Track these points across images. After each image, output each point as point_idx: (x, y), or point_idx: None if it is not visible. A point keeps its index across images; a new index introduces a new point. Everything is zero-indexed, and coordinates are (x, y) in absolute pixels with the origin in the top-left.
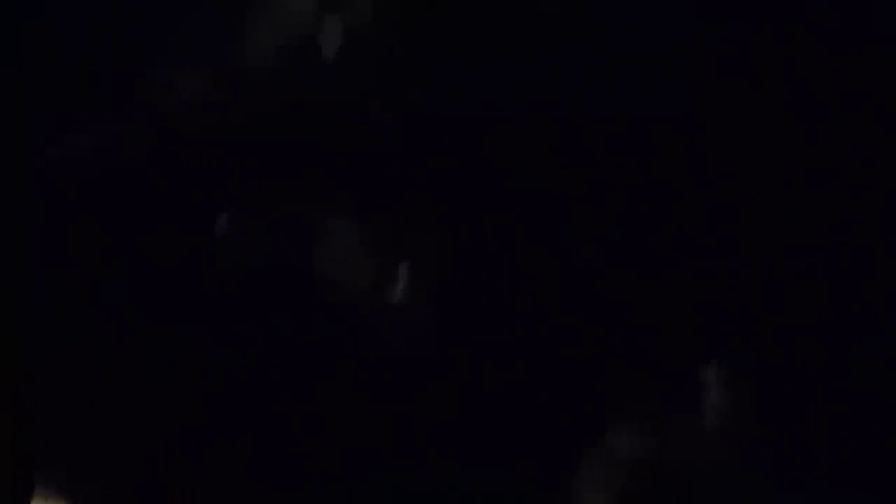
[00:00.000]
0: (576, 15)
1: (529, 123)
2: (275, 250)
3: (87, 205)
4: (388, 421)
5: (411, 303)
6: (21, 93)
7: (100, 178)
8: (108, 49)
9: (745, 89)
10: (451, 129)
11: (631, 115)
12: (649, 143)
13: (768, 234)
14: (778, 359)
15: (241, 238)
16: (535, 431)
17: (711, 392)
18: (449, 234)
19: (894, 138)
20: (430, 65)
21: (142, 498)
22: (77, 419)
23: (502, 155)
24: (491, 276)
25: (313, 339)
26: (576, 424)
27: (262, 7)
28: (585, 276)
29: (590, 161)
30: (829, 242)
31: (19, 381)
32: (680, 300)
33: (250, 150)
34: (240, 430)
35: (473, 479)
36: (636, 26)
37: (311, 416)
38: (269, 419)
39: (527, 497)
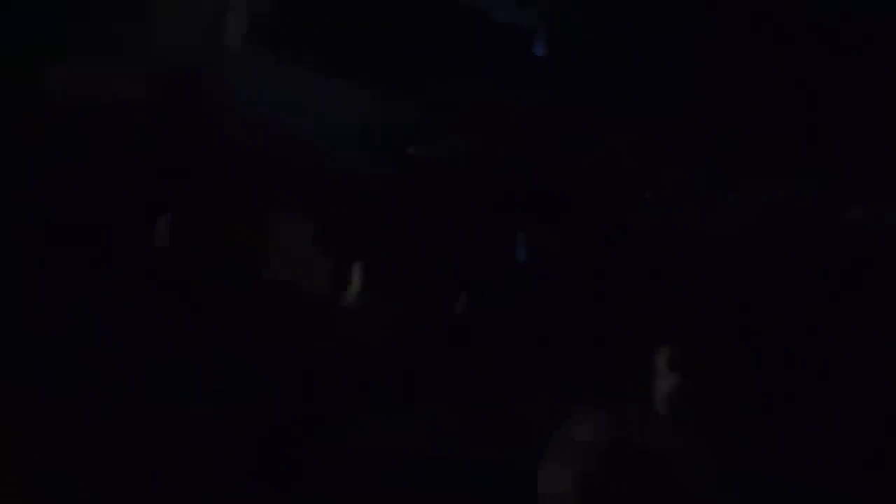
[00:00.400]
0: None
1: (470, 123)
2: (221, 252)
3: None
4: (344, 421)
5: (365, 304)
6: None
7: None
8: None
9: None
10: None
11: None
12: (586, 136)
13: (716, 227)
14: (726, 344)
15: (183, 243)
16: (496, 421)
17: (663, 377)
18: (402, 233)
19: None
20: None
21: None
22: None
23: (453, 150)
24: (444, 274)
25: (264, 341)
26: (535, 413)
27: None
28: (539, 270)
29: (539, 154)
30: (770, 238)
31: None
32: (630, 290)
33: (180, 150)
34: (187, 435)
35: (436, 472)
36: None
37: (261, 419)
38: (219, 425)
39: (491, 485)
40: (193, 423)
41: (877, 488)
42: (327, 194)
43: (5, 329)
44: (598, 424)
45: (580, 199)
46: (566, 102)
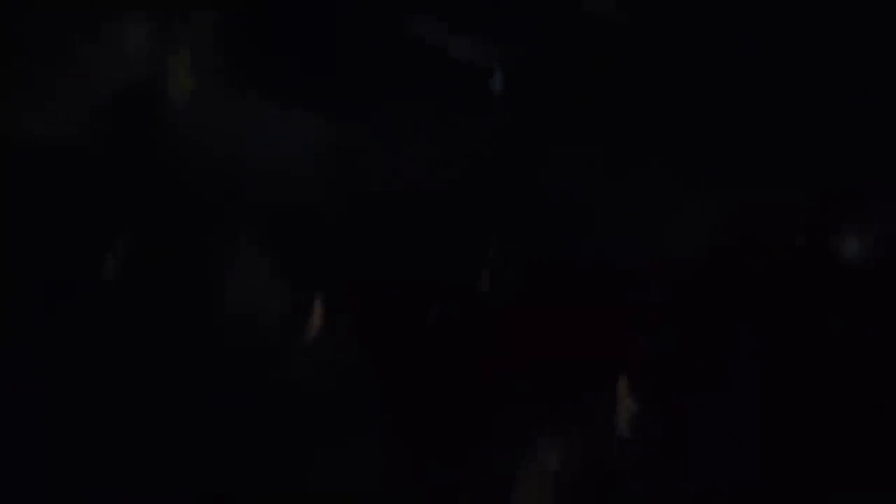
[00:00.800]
0: None
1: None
2: (175, 286)
3: None
4: (304, 453)
5: (326, 337)
6: None
7: None
8: None
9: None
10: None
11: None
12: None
13: (672, 247)
14: (682, 372)
15: (135, 276)
16: (460, 451)
17: (624, 404)
18: (365, 265)
19: None
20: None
21: None
22: None
23: (415, 184)
24: (406, 303)
25: (222, 375)
26: (503, 444)
27: (104, 48)
28: (501, 299)
29: (495, 183)
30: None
31: None
32: (589, 316)
33: (131, 183)
34: (135, 471)
35: None
36: None
37: (217, 455)
38: (171, 459)
39: None
40: (142, 459)
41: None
42: (284, 226)
43: None
44: (565, 452)
45: (538, 227)
46: (522, 135)
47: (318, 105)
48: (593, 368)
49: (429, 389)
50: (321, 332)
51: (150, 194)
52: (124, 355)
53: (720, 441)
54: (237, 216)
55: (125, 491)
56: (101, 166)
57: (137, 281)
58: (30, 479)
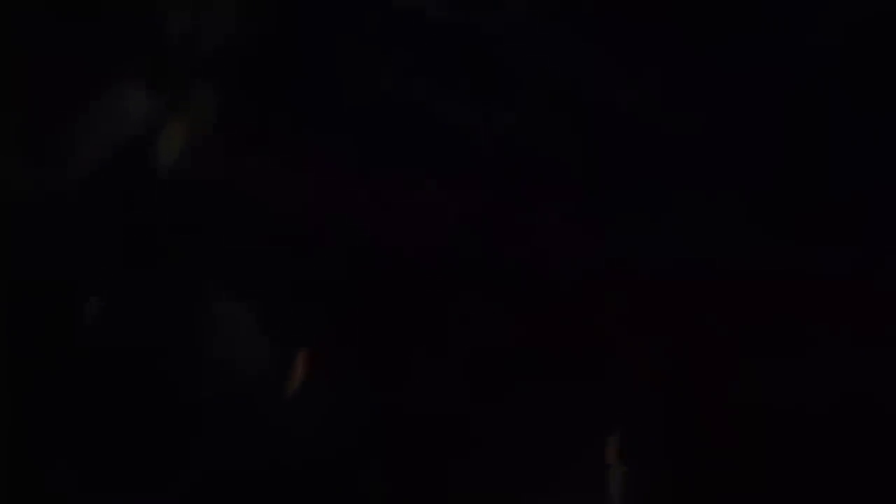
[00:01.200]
0: None
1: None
2: (154, 336)
3: None
4: None
5: (308, 393)
6: None
7: None
8: None
9: None
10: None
11: None
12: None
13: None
14: (673, 433)
15: (113, 325)
16: None
17: (614, 467)
18: (348, 319)
19: None
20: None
21: None
22: None
23: (399, 239)
24: (388, 362)
25: (199, 432)
26: None
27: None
28: (486, 358)
29: (484, 245)
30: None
31: None
32: (582, 379)
33: (116, 234)
34: None
35: None
36: None
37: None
38: None
39: None
40: None
41: None
42: (271, 280)
43: None
44: None
45: (526, 287)
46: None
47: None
48: (581, 432)
49: (412, 449)
50: (302, 387)
51: (133, 248)
52: (105, 406)
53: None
54: (224, 268)
55: None
56: (90, 219)
57: (119, 333)
58: None
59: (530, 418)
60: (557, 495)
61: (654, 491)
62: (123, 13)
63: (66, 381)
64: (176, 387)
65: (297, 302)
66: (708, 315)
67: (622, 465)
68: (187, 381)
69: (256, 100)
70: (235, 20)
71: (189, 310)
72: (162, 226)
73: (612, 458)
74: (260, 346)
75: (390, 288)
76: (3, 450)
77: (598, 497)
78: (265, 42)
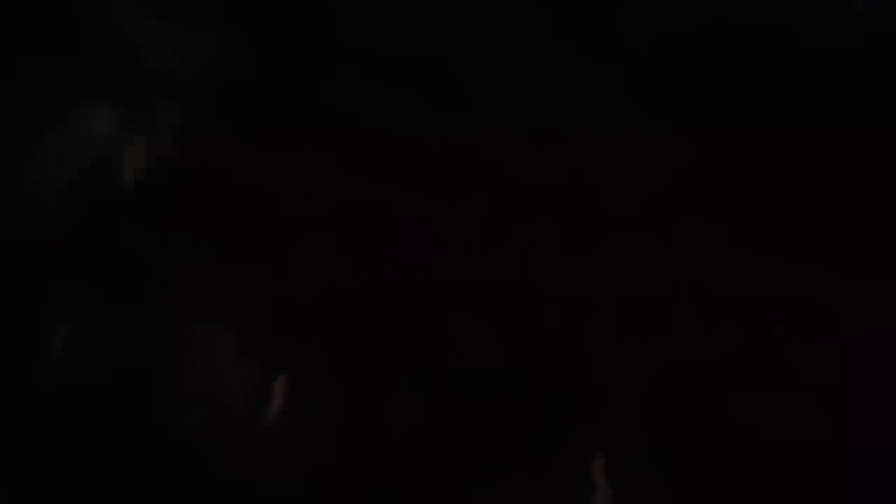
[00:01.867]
0: None
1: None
2: (126, 365)
3: None
4: None
5: (287, 423)
6: None
7: None
8: None
9: None
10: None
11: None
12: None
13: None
14: (661, 454)
15: (81, 355)
16: None
17: (601, 488)
18: (328, 346)
19: None
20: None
21: None
22: None
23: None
24: (371, 391)
25: (182, 459)
26: None
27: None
28: (469, 382)
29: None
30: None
31: None
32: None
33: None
34: None
35: None
36: None
37: None
38: None
39: None
40: None
41: None
42: (251, 306)
43: None
44: None
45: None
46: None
47: None
48: (567, 455)
49: (394, 476)
50: (284, 413)
51: (109, 273)
52: (83, 433)
53: None
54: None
55: None
56: (62, 247)
57: (95, 357)
58: None
59: (515, 439)
60: None
61: None
62: (95, 41)
63: (41, 408)
64: (151, 414)
65: (276, 325)
66: (694, 334)
67: (608, 486)
68: (163, 408)
69: (223, 119)
70: (206, 46)
71: (159, 335)
72: (130, 248)
73: (598, 478)
74: (239, 371)
75: (370, 312)
76: None
77: None
78: (233, 63)
